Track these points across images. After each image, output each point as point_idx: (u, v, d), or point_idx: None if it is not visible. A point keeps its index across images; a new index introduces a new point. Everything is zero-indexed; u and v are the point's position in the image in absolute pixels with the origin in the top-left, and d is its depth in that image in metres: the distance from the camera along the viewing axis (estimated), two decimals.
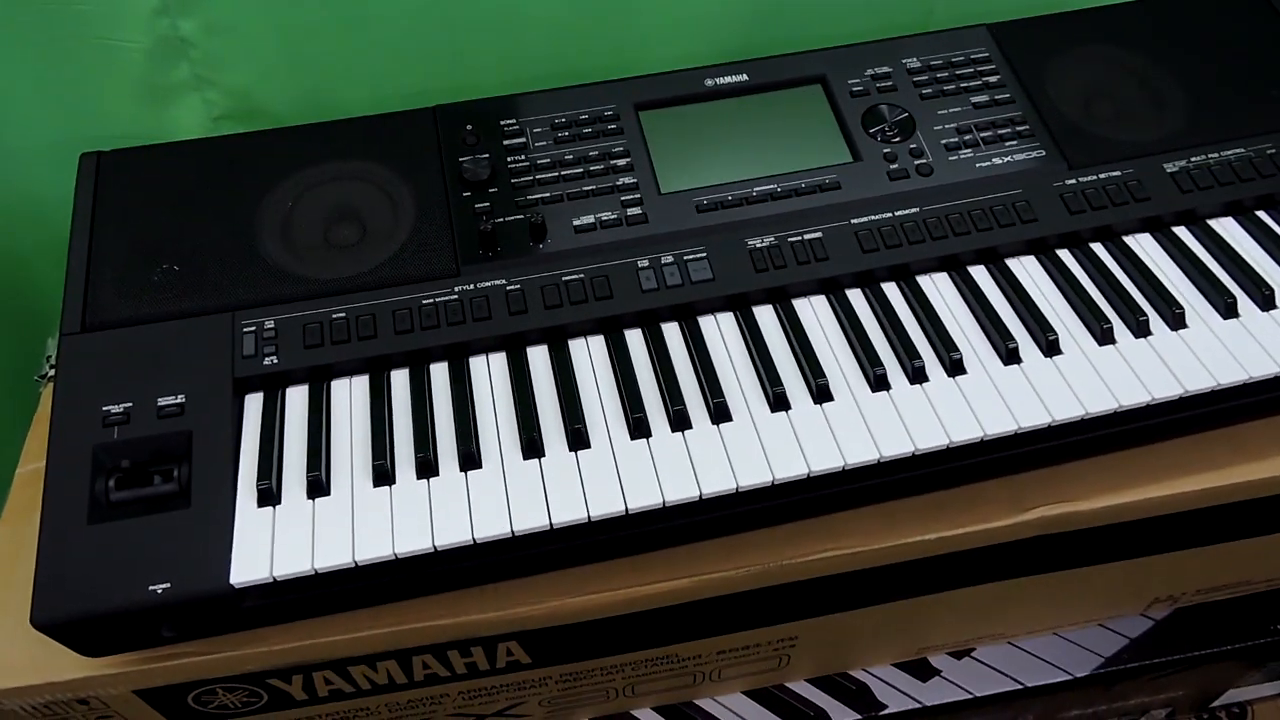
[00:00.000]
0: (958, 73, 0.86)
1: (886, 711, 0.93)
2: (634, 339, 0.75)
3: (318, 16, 0.92)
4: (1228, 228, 0.81)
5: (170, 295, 0.74)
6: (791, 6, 1.00)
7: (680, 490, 0.66)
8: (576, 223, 0.78)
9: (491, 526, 0.64)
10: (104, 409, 0.68)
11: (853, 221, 0.78)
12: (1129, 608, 0.96)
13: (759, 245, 0.77)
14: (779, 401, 0.70)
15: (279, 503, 0.66)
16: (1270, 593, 0.97)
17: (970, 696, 0.94)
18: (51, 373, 0.82)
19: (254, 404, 0.71)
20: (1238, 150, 0.82)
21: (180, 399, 0.69)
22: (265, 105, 0.97)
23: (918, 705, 0.94)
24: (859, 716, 0.93)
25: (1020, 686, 0.94)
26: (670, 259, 0.76)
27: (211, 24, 0.91)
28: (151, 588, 0.61)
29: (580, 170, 0.81)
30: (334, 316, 0.73)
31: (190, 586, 0.62)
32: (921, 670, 0.95)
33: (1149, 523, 0.76)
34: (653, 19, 0.98)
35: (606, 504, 0.65)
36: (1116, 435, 0.72)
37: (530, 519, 0.64)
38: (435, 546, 0.64)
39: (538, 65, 0.98)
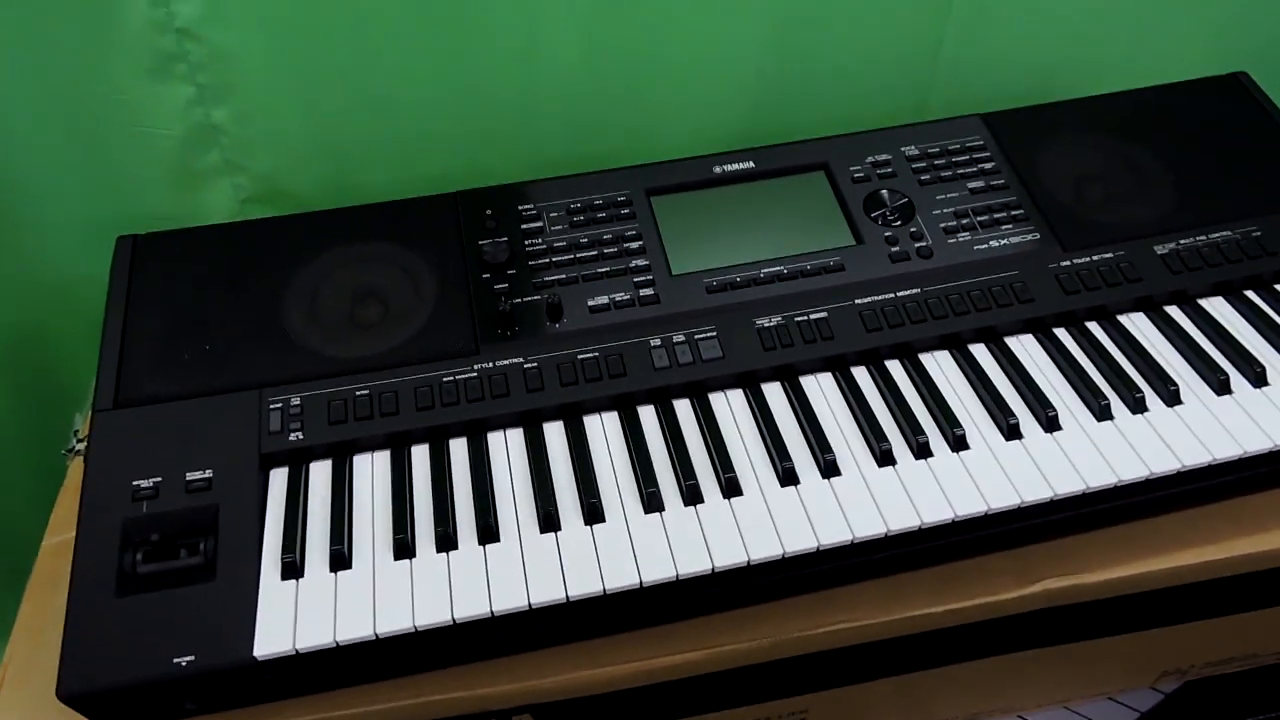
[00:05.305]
0: (954, 160, 0.90)
1: None
2: (647, 415, 0.77)
3: (344, 105, 0.97)
4: (1218, 307, 0.84)
5: (200, 373, 0.77)
6: (793, 95, 1.06)
7: (693, 563, 0.67)
8: (591, 303, 0.81)
9: (509, 599, 0.66)
10: (134, 483, 0.70)
11: (856, 302, 0.81)
12: (1138, 681, 0.96)
13: (767, 325, 0.80)
14: (788, 476, 0.72)
15: (302, 576, 0.68)
16: None
17: None
18: (79, 446, 0.84)
19: (279, 478, 0.73)
20: (1224, 233, 0.85)
21: (208, 474, 0.71)
22: (291, 189, 1.02)
23: None
24: None
25: None
26: (681, 338, 0.79)
27: (242, 113, 0.95)
28: (176, 660, 0.63)
29: (595, 253, 0.84)
30: (357, 393, 0.76)
31: (214, 659, 0.63)
32: None
33: (1154, 595, 0.77)
34: (663, 106, 1.03)
35: (621, 577, 0.67)
36: (1118, 509, 0.74)
37: (547, 592, 0.66)
38: (454, 619, 0.65)
39: (554, 151, 1.03)
